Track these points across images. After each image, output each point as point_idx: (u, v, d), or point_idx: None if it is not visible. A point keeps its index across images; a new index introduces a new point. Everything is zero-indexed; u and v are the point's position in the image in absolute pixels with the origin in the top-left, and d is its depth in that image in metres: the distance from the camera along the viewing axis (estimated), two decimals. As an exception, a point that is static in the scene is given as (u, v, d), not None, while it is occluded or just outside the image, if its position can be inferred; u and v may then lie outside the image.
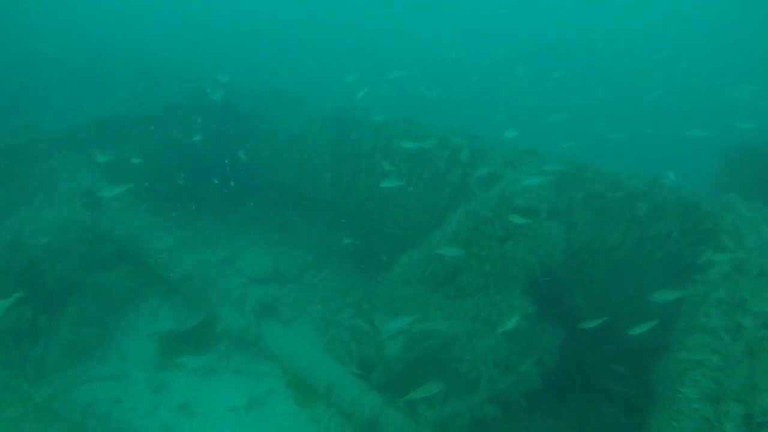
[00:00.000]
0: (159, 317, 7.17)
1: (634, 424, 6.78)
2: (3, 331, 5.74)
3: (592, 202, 6.20)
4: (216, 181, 9.77)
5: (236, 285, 7.47)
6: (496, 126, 7.87)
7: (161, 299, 7.42)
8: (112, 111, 7.84)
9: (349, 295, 8.29)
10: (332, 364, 6.67)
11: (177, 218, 8.71)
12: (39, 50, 10.96)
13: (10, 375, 5.25)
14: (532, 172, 6.20)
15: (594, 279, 6.50)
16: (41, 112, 7.72)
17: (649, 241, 5.87)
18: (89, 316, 6.38)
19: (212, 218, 9.60)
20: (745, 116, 10.02)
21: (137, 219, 7.29)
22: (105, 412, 5.61)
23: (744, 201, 5.73)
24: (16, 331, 5.85)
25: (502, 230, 6.17)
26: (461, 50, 16.37)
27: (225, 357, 6.71)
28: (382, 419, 6.09)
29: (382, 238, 8.77)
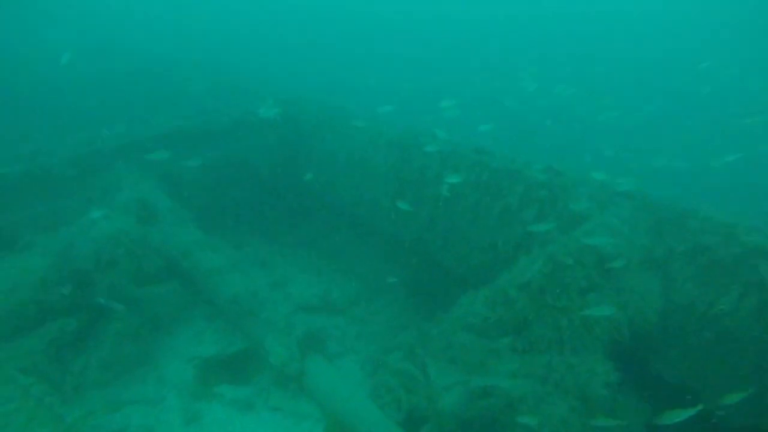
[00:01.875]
0: (203, 339, 6.87)
1: None
2: (47, 342, 5.59)
3: (698, 255, 5.23)
4: (274, 201, 9.60)
5: (283, 313, 7.04)
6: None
7: (207, 321, 7.13)
8: (178, 125, 7.86)
9: (401, 334, 7.63)
10: (377, 413, 6.01)
11: (231, 237, 8.52)
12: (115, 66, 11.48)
13: (46, 390, 5.04)
14: (625, 216, 5.36)
15: (695, 348, 5.45)
16: (111, 123, 7.88)
17: (774, 310, 4.81)
18: (132, 331, 6.15)
19: (266, 239, 9.36)
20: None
21: (190, 235, 7.11)
22: (135, 440, 5.25)
23: None
24: (59, 343, 5.69)
25: (584, 280, 5.33)
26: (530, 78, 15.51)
27: (264, 391, 6.24)
28: (428, 484, 5.33)
29: (440, 274, 8.10)
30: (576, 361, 5.40)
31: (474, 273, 7.24)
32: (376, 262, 9.09)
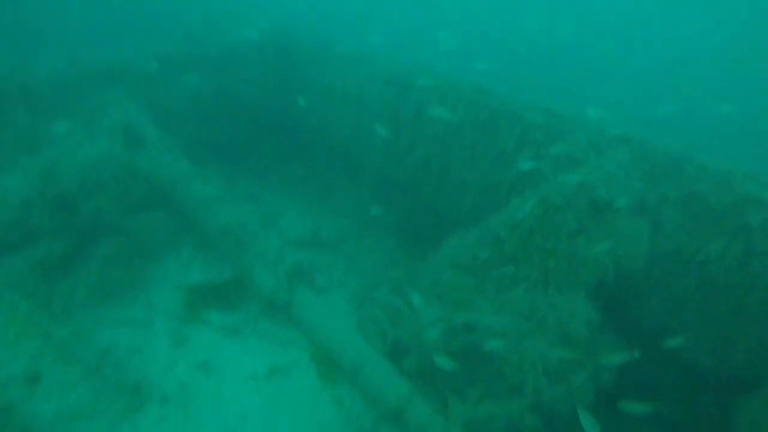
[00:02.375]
0: (191, 268, 6.88)
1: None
2: (33, 263, 5.55)
3: (691, 204, 5.23)
4: (266, 136, 9.37)
5: (273, 246, 7.03)
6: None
7: (196, 250, 7.11)
8: (168, 50, 7.47)
9: (390, 271, 7.71)
10: (362, 344, 6.16)
11: (221, 170, 8.35)
12: None
13: (34, 307, 5.05)
14: (621, 161, 5.29)
15: (678, 294, 5.56)
16: (102, 47, 7.46)
17: (758, 258, 4.87)
18: (121, 256, 6.14)
19: (257, 174, 9.21)
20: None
21: (179, 165, 6.94)
22: (123, 359, 5.35)
23: None
24: (45, 264, 5.66)
25: (575, 223, 5.33)
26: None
27: (252, 319, 6.33)
28: (408, 410, 5.56)
29: (432, 216, 8.09)
30: (559, 301, 5.51)
31: (467, 215, 7.23)
32: (368, 202, 9.03)
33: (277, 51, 8.88)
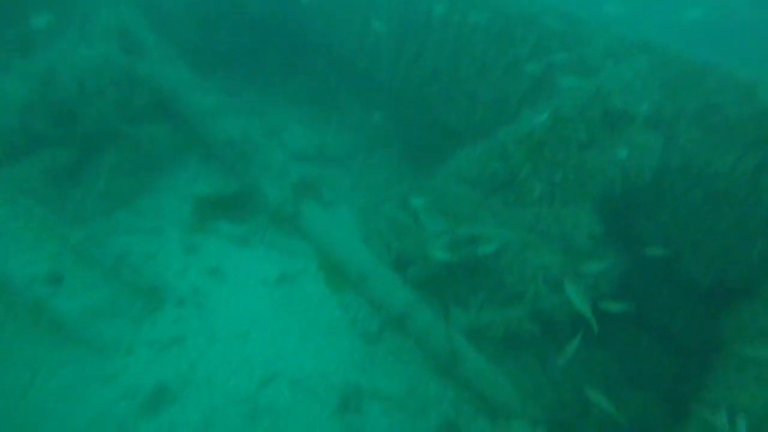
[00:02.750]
0: (198, 180, 6.91)
1: (683, 367, 6.30)
2: (41, 169, 5.58)
3: (707, 115, 5.06)
4: (268, 46, 8.96)
5: (279, 159, 7.00)
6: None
7: (202, 162, 7.10)
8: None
9: (395, 186, 7.73)
10: (367, 254, 6.33)
11: (222, 81, 8.10)
12: None
13: (48, 212, 5.15)
14: (640, 70, 5.04)
15: (681, 207, 5.57)
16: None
17: (769, 172, 4.80)
18: (128, 166, 6.15)
19: (260, 87, 8.94)
20: None
21: (179, 74, 6.72)
22: (138, 264, 5.55)
23: None
24: (54, 171, 5.69)
25: (586, 134, 5.22)
26: None
27: (261, 229, 6.46)
28: (412, 315, 5.83)
29: (440, 131, 7.94)
30: (564, 213, 5.56)
31: (476, 130, 7.08)
32: (374, 117, 8.84)
33: None
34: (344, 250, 6.34)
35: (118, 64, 5.51)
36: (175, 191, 6.61)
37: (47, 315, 4.76)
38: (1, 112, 5.30)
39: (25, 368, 4.61)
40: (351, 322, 5.79)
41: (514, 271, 5.68)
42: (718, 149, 5.10)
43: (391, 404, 5.03)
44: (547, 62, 5.81)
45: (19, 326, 4.85)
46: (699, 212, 5.48)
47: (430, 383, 5.39)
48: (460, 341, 5.67)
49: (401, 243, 6.33)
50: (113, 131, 5.86)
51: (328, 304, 5.86)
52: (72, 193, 5.83)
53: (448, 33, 6.77)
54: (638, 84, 5.09)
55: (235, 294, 5.62)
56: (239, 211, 6.57)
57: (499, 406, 5.10)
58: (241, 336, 5.22)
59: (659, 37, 5.62)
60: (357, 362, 5.41)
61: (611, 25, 5.69)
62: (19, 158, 5.57)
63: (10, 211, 5.02)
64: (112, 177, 5.97)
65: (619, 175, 5.27)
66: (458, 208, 6.35)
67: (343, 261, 6.27)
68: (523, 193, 5.86)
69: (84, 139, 5.75)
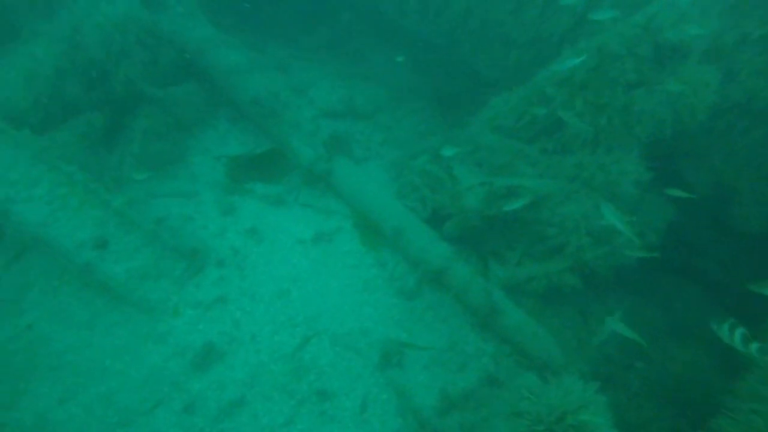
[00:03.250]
0: (228, 141, 6.88)
1: (724, 314, 6.08)
2: (78, 135, 5.64)
3: (774, 43, 4.57)
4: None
5: (307, 116, 6.87)
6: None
7: (231, 122, 7.05)
8: None
9: (427, 139, 7.51)
10: (402, 210, 6.24)
11: (246, 36, 7.88)
12: None
13: (89, 178, 5.24)
14: (697, -6, 4.55)
15: (739, 149, 5.17)
16: None
17: None
18: (160, 129, 6.15)
19: (284, 41, 8.67)
20: None
21: (203, 30, 6.56)
22: (177, 227, 5.65)
23: None
24: (90, 137, 5.74)
25: (634, 73, 4.83)
26: None
27: (294, 189, 6.44)
28: (450, 271, 5.77)
29: (472, 78, 7.57)
30: (608, 160, 5.26)
31: (511, 75, 6.69)
32: (401, 67, 8.49)
33: None
34: (378, 206, 6.26)
35: (142, 20, 5.39)
36: (207, 152, 6.62)
37: (97, 278, 4.94)
38: (35, 80, 5.32)
39: (83, 328, 4.85)
40: (388, 279, 5.80)
41: (554, 222, 5.49)
42: (785, 82, 4.64)
43: (431, 359, 5.07)
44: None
45: (72, 289, 5.08)
46: (759, 154, 5.07)
47: (469, 338, 5.40)
48: (499, 296, 5.61)
49: (436, 197, 6.19)
50: (142, 93, 5.82)
51: (364, 262, 5.87)
52: (109, 158, 5.90)
53: (480, -29, 6.28)
54: (695, 12, 4.61)
55: (274, 254, 5.68)
56: (272, 171, 6.54)
57: (542, 361, 5.07)
58: (281, 295, 5.31)
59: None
60: (396, 318, 5.45)
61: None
62: (56, 125, 5.64)
63: (55, 178, 5.15)
64: (145, 141, 5.99)
65: (669, 116, 4.89)
66: (494, 159, 6.11)
67: (377, 218, 6.21)
68: (563, 140, 5.57)
69: (115, 102, 5.74)
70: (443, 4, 6.90)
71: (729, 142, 5.28)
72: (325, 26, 9.14)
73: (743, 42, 4.65)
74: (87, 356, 4.66)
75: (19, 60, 5.35)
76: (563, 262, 5.56)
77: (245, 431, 4.38)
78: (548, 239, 5.58)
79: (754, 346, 3.50)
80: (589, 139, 5.38)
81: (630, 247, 4.97)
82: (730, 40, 4.67)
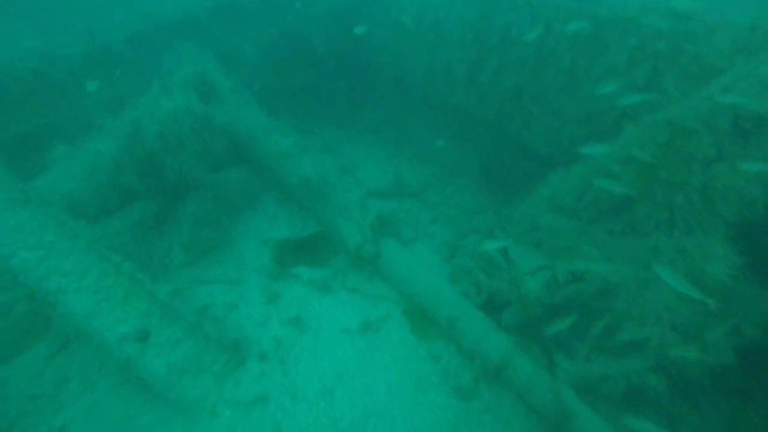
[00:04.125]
0: (276, 223, 6.83)
1: None
2: (131, 224, 5.73)
3: None
4: (337, 82, 8.90)
5: (355, 197, 6.76)
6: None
7: (278, 205, 7.04)
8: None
9: (479, 217, 7.15)
10: (456, 296, 5.78)
11: (295, 120, 8.10)
12: None
13: (137, 268, 5.22)
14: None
15: None
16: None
17: None
18: (208, 215, 6.18)
19: (332, 122, 8.86)
20: None
21: (255, 117, 6.76)
22: (221, 316, 5.46)
23: None
24: (142, 226, 5.82)
25: (712, 148, 4.36)
26: None
27: (341, 273, 6.17)
28: (511, 366, 5.16)
29: (522, 154, 7.28)
30: (689, 244, 4.65)
31: (565, 152, 6.36)
32: (449, 144, 8.38)
33: None
34: (430, 292, 5.84)
35: (197, 113, 5.59)
36: (254, 237, 6.55)
37: (136, 373, 4.73)
38: (95, 172, 5.52)
39: (118, 429, 4.57)
40: (442, 375, 5.25)
41: (631, 314, 4.84)
42: None
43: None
44: (652, 67, 5.02)
45: (111, 384, 4.88)
46: None
47: (538, 449, 4.67)
48: (570, 396, 4.89)
49: (492, 282, 5.72)
50: (194, 180, 5.91)
51: (416, 354, 5.38)
52: (158, 245, 5.92)
53: (530, 47, 6.18)
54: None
55: (318, 345, 5.32)
56: (318, 254, 6.35)
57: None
58: (326, 393, 4.87)
59: None
60: (451, 421, 4.84)
61: (732, 21, 4.80)
62: (111, 214, 5.76)
63: (103, 268, 5.14)
64: (193, 227, 6.01)
65: (761, 193, 4.31)
66: (555, 240, 5.64)
67: (429, 304, 5.78)
68: (633, 221, 5.05)
69: (168, 190, 5.85)
70: (492, 81, 6.82)
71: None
72: (371, 106, 9.33)
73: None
74: (119, 461, 4.35)
75: (85, 154, 5.61)
76: (644, 360, 4.83)
77: None
78: (624, 332, 4.90)
79: None
80: (664, 219, 4.84)
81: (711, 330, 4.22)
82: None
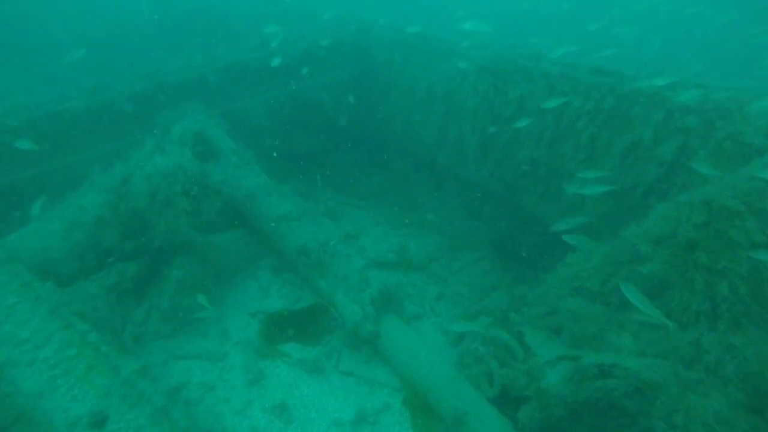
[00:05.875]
0: (269, 293, 6.27)
1: None
2: (107, 287, 5.18)
3: None
4: (344, 146, 8.71)
5: (356, 268, 6.24)
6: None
7: (273, 273, 6.51)
8: (240, 58, 7.10)
9: (490, 296, 6.56)
10: (464, 386, 5.07)
11: (299, 183, 7.78)
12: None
13: (103, 339, 4.60)
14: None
15: None
16: (174, 57, 7.33)
17: None
18: (194, 281, 5.63)
19: (337, 187, 8.54)
20: None
21: (255, 179, 6.41)
22: (195, 399, 4.75)
23: None
24: (119, 289, 5.27)
25: (760, 233, 3.88)
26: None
27: (335, 353, 5.51)
28: (529, 477, 4.35)
29: (538, 229, 6.83)
30: (739, 341, 4.03)
31: (585, 230, 5.92)
32: (458, 215, 7.98)
33: (356, 49, 8.21)
34: (435, 379, 5.14)
35: (190, 171, 5.24)
36: (243, 307, 5.97)
37: (83, 470, 3.96)
38: (74, 230, 5.07)
39: None
40: (448, 485, 4.42)
41: (672, 420, 4.11)
42: None
43: None
44: (682, 143, 4.69)
45: (53, 481, 4.08)
46: None
47: None
48: None
49: (506, 372, 5.02)
50: (182, 242, 5.44)
51: (417, 457, 4.57)
52: (135, 313, 5.34)
53: (547, 119, 5.94)
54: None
55: (303, 441, 4.55)
56: (312, 330, 5.72)
57: None
58: (308, 506, 4.05)
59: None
60: None
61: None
62: (87, 275, 5.25)
63: (66, 337, 4.53)
64: (177, 294, 5.46)
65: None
66: (577, 328, 5.02)
67: (434, 394, 5.05)
68: (670, 311, 4.46)
69: (152, 253, 5.36)
70: (505, 154, 6.54)
71: None
72: (378, 172, 9.07)
73: None
74: None
75: (67, 209, 5.20)
76: (692, 481, 4.02)
77: None
78: (667, 444, 4.14)
79: None
80: (704, 310, 4.25)
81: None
82: None
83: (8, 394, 4.01)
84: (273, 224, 6.35)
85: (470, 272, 7.29)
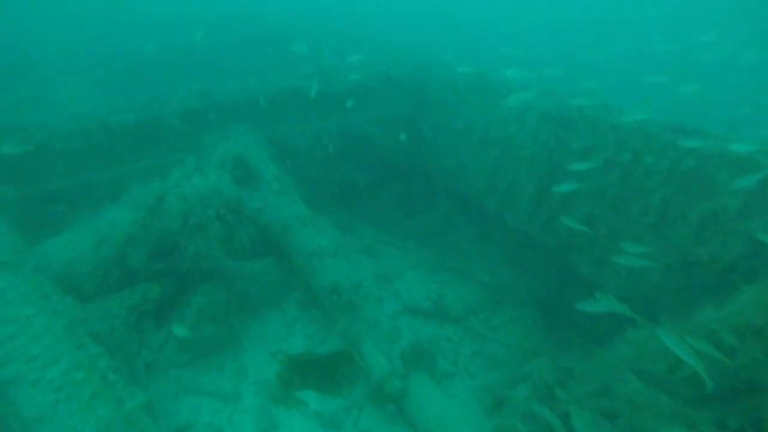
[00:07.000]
0: (293, 331, 5.90)
1: None
2: (128, 308, 4.95)
3: None
4: (390, 183, 8.40)
5: (388, 313, 5.78)
6: None
7: (300, 309, 6.14)
8: (293, 84, 7.00)
9: (531, 363, 5.91)
10: (498, 467, 4.45)
11: (338, 216, 7.48)
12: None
13: (112, 366, 4.32)
14: None
15: None
16: (228, 78, 7.34)
17: None
18: (218, 308, 5.34)
19: (377, 224, 8.19)
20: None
21: (294, 208, 6.15)
22: (199, 442, 4.34)
23: None
24: (141, 310, 5.03)
25: None
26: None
27: (356, 407, 5.01)
28: None
29: (592, 292, 6.18)
30: None
31: (648, 304, 5.27)
32: (504, 267, 7.42)
33: (411, 85, 8.00)
34: (464, 455, 4.54)
35: (227, 196, 5.02)
36: (265, 343, 5.61)
37: None
38: (103, 244, 4.91)
39: None
40: None
41: None
42: None
43: None
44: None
45: None
46: None
47: None
48: None
49: (548, 458, 4.37)
50: (210, 268, 5.17)
51: None
52: (152, 337, 5.06)
53: (612, 175, 5.42)
54: None
55: None
56: (333, 378, 5.24)
57: None
58: None
59: None
60: None
61: None
62: (110, 292, 5.04)
63: (76, 359, 4.28)
64: (198, 322, 5.15)
65: None
66: (636, 416, 4.33)
67: (461, 473, 4.45)
68: (756, 414, 3.74)
69: (178, 276, 5.12)
70: (559, 208, 6.02)
71: None
72: (422, 212, 8.67)
73: None
74: None
75: (100, 222, 5.07)
76: None
77: None
78: None
79: None
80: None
81: None
82: None
83: (3, 418, 3.74)
84: (306, 257, 6.03)
85: (510, 330, 6.67)
